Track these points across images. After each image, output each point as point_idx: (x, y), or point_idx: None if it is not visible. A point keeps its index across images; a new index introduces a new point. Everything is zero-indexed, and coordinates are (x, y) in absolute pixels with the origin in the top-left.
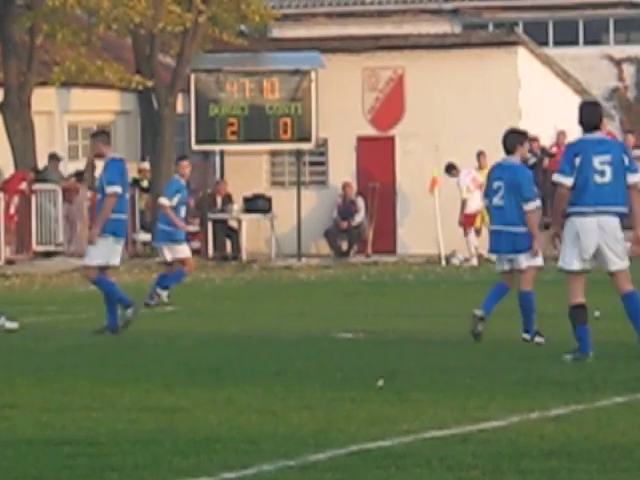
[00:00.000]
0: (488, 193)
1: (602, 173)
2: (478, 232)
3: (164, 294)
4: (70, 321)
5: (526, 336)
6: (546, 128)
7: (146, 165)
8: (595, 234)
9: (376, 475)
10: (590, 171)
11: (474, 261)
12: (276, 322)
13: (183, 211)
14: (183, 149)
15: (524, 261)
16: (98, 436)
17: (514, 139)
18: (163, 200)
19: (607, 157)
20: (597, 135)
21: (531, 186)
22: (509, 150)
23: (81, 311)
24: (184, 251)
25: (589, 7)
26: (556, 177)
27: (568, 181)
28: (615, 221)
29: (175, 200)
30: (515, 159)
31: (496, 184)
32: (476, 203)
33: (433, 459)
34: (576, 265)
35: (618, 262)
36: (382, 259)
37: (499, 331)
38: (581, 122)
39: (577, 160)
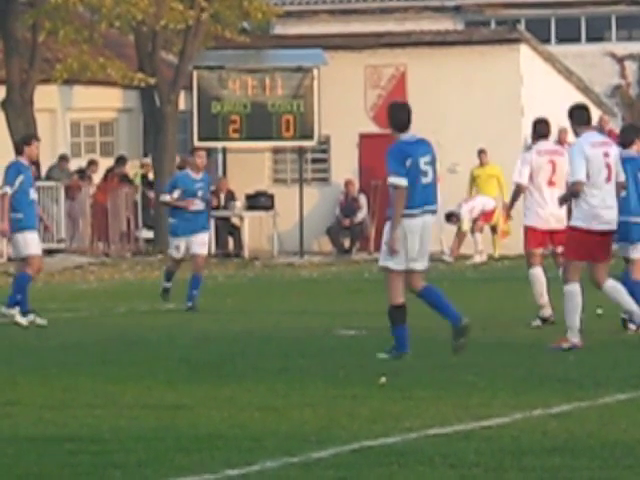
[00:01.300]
0: None
1: (426, 174)
2: (481, 230)
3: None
4: (72, 318)
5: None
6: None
7: (148, 160)
8: (419, 233)
9: (378, 472)
10: (418, 173)
11: (477, 258)
12: (278, 319)
13: (195, 203)
14: (185, 146)
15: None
16: (100, 433)
17: (632, 133)
18: (162, 197)
19: (428, 158)
20: (412, 135)
21: None
22: (627, 143)
23: (83, 308)
24: (201, 245)
25: (591, 4)
26: (394, 179)
27: (405, 182)
28: (433, 220)
29: (176, 194)
30: (632, 151)
31: None
32: (492, 202)
33: (435, 456)
34: (404, 265)
35: (427, 260)
36: None
37: (501, 328)
38: (392, 123)
39: (408, 162)
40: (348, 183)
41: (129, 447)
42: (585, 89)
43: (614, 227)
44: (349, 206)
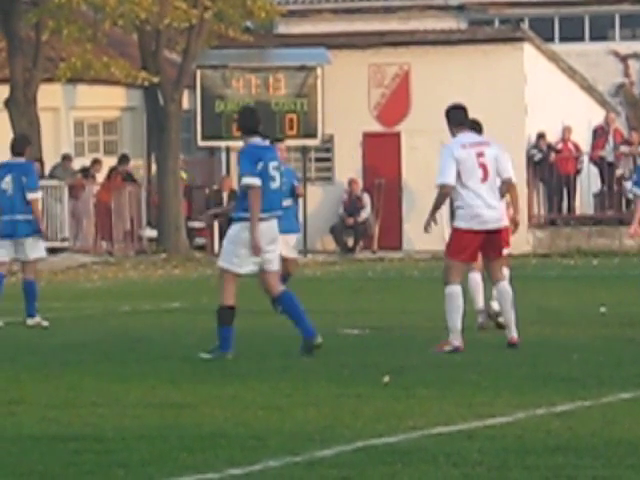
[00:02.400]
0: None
1: (274, 179)
2: None
3: None
4: (76, 317)
5: None
6: (552, 124)
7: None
8: (269, 236)
9: (382, 471)
10: (267, 177)
11: None
12: (282, 318)
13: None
14: (189, 145)
15: None
16: (104, 432)
17: None
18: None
19: (276, 163)
20: (261, 140)
21: None
22: None
23: (87, 307)
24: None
25: (595, 3)
26: (248, 180)
27: (258, 182)
28: (277, 224)
29: None
30: None
31: None
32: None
33: (439, 455)
34: (249, 269)
35: (276, 263)
36: (388, 255)
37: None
38: (241, 127)
39: (260, 165)
40: (352, 182)
41: (133, 446)
42: (589, 88)
43: (498, 225)
44: (353, 205)
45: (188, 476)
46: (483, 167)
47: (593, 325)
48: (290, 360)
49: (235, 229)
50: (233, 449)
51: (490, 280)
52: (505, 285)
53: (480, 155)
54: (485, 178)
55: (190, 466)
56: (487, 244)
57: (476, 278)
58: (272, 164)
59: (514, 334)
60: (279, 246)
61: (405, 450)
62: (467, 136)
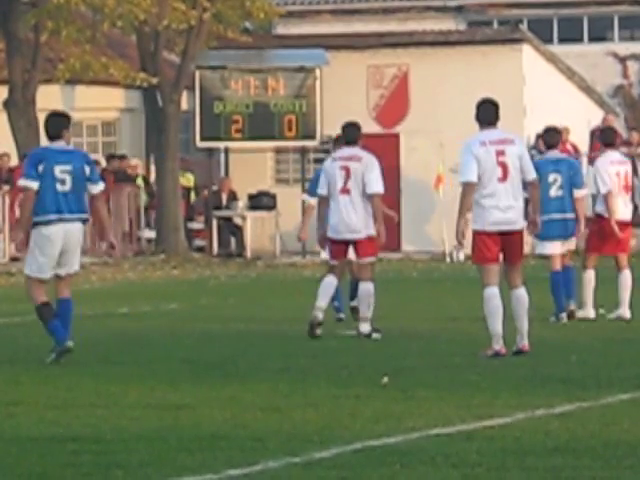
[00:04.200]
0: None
1: (63, 182)
2: None
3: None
4: (74, 318)
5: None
6: (550, 125)
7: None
8: (60, 241)
9: (381, 472)
10: (52, 180)
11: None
12: (281, 319)
13: None
14: (188, 146)
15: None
16: (103, 433)
17: (556, 135)
18: (308, 200)
19: (69, 167)
20: (60, 145)
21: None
22: (554, 145)
23: (85, 308)
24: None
25: (594, 4)
26: (22, 182)
27: (33, 185)
28: (80, 227)
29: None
30: (557, 152)
31: (552, 176)
32: None
33: (438, 456)
34: (51, 273)
35: (77, 265)
36: (386, 256)
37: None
38: (46, 132)
39: (41, 167)
40: None
41: (131, 447)
42: (587, 89)
43: (514, 227)
44: None
45: (187, 477)
46: (503, 166)
47: (592, 326)
48: (289, 361)
49: (32, 235)
50: (232, 450)
51: (508, 286)
52: (522, 292)
53: (500, 153)
54: (504, 177)
55: (189, 467)
56: (504, 247)
57: (330, 281)
58: (59, 167)
59: (525, 341)
60: (76, 250)
61: (404, 451)
62: (489, 133)
